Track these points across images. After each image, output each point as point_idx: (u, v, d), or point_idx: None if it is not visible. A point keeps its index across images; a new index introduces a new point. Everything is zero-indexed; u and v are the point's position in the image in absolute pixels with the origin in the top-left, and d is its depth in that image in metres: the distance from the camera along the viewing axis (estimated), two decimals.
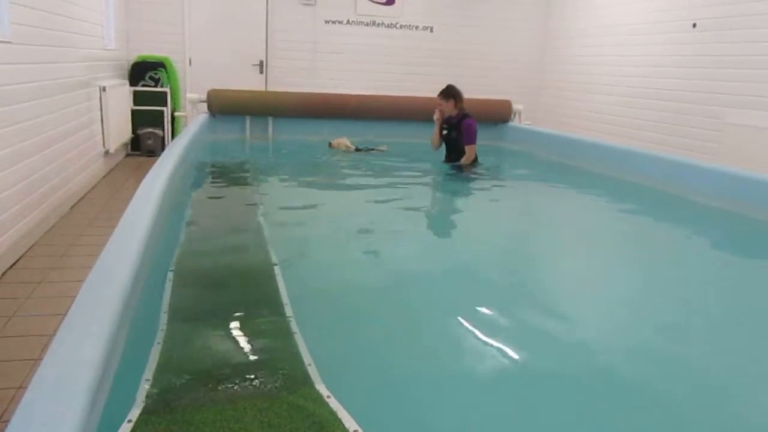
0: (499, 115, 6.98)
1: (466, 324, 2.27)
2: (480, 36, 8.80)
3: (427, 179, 5.20)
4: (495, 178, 5.53)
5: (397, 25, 8.46)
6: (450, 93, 5.24)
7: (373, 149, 5.97)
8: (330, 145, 5.86)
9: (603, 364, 2.07)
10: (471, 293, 2.63)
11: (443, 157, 5.44)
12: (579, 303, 2.63)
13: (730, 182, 4.11)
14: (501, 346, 2.12)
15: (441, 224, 3.90)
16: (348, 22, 8.28)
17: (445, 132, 5.36)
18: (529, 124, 7.30)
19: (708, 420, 1.79)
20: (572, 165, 5.63)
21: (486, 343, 2.12)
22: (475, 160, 5.30)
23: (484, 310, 2.44)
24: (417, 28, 8.53)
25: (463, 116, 5.20)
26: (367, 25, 8.35)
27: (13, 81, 3.76)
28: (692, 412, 1.82)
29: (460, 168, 5.22)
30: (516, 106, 7.02)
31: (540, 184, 5.32)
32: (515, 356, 2.06)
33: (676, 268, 3.19)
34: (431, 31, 8.59)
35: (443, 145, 5.45)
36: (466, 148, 5.17)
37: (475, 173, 5.19)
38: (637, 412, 1.77)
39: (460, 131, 5.20)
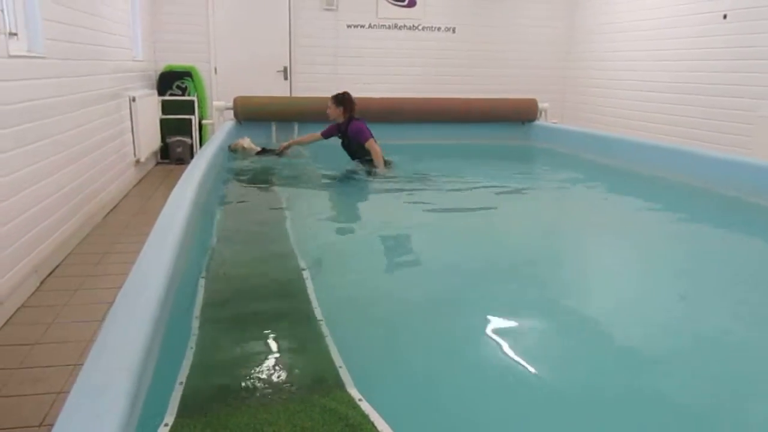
0: (525, 114, 6.94)
1: (498, 325, 2.27)
2: (503, 35, 8.75)
3: (451, 183, 5.17)
4: (529, 177, 5.51)
5: (419, 27, 8.46)
6: (342, 101, 5.14)
7: (273, 150, 5.57)
8: (229, 148, 5.41)
9: (645, 370, 2.04)
10: (503, 294, 2.62)
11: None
12: (621, 306, 2.58)
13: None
14: (535, 348, 2.11)
15: (471, 225, 3.88)
16: (370, 25, 8.32)
17: (340, 140, 5.31)
18: (555, 123, 7.24)
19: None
20: (606, 163, 5.55)
21: (520, 346, 2.11)
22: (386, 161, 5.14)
23: (518, 311, 2.42)
24: (439, 29, 8.52)
25: (348, 121, 5.14)
26: (388, 28, 8.37)
27: (49, 95, 3.87)
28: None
29: (371, 173, 5.04)
30: (542, 105, 6.97)
31: (572, 183, 5.26)
32: (550, 359, 2.05)
33: (724, 268, 3.11)
34: (453, 32, 8.58)
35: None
36: (367, 145, 5.05)
37: (392, 174, 5.02)
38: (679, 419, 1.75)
39: (348, 135, 5.16)
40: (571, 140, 6.37)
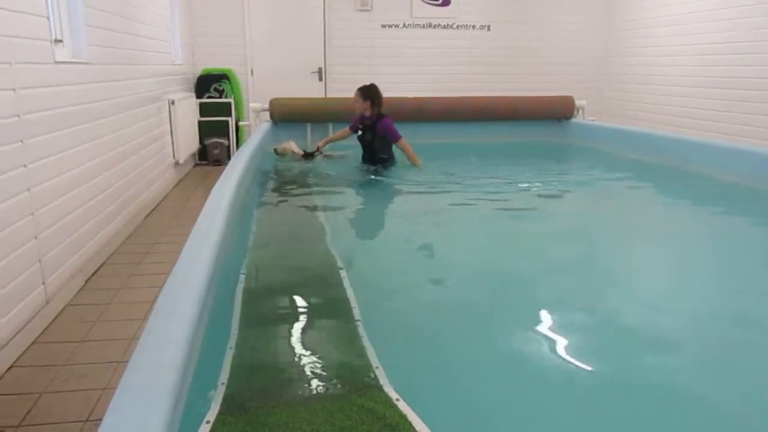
0: (561, 112, 6.84)
1: (537, 325, 2.24)
2: (539, 32, 8.64)
3: (486, 182, 5.13)
4: (565, 175, 5.42)
5: (454, 26, 8.42)
6: (369, 94, 5.00)
7: (330, 155, 5.62)
8: (275, 151, 5.42)
9: (688, 371, 1.99)
10: (541, 293, 2.59)
11: (360, 159, 5.29)
12: (664, 306, 2.52)
13: None
14: (575, 346, 2.08)
15: (507, 225, 3.84)
16: (404, 25, 8.31)
17: (359, 133, 5.17)
18: (593, 120, 7.12)
19: None
20: (647, 161, 5.43)
21: (560, 344, 2.09)
22: (391, 158, 5.13)
23: (557, 310, 2.39)
24: (474, 27, 8.46)
25: (378, 117, 5.01)
26: (423, 27, 8.36)
27: (93, 99, 3.98)
28: None
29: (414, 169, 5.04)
30: (579, 102, 6.86)
31: (610, 181, 5.16)
32: (588, 358, 2.02)
33: None
34: (488, 29, 8.51)
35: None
36: (399, 144, 5.03)
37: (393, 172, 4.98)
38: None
39: (376, 134, 5.02)
40: (608, 138, 6.25)
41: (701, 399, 1.80)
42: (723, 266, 3.05)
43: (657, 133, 5.98)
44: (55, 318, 3.17)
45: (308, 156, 5.48)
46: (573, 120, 6.88)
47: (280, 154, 5.46)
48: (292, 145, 5.48)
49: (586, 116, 7.08)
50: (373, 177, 4.90)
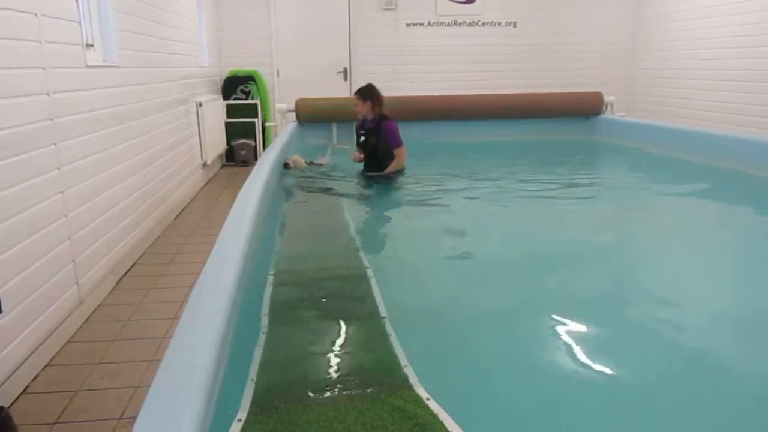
0: (590, 108, 6.75)
1: (567, 323, 2.21)
2: (566, 27, 8.53)
3: (513, 179, 5.08)
4: (593, 172, 5.35)
5: (479, 23, 8.36)
6: (368, 93, 4.60)
7: (312, 161, 5.18)
8: (287, 165, 4.83)
9: (720, 370, 1.94)
10: (570, 291, 2.55)
11: (362, 167, 4.85)
12: (696, 304, 2.46)
13: None
14: (604, 346, 2.04)
15: (535, 222, 3.79)
16: (429, 23, 8.29)
17: (362, 139, 4.75)
18: (622, 116, 7.00)
19: None
20: (677, 157, 5.31)
21: (589, 343, 2.05)
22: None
23: (587, 308, 2.35)
24: (499, 24, 8.39)
25: (380, 119, 4.61)
26: (448, 25, 8.32)
27: (123, 102, 4.05)
28: None
29: (380, 177, 4.61)
30: (607, 98, 6.75)
31: (638, 178, 5.07)
32: (618, 357, 1.98)
33: None
34: (514, 26, 8.43)
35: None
36: (396, 152, 4.60)
37: (398, 182, 4.57)
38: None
39: (380, 136, 4.60)
40: (638, 134, 6.14)
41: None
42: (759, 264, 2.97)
43: (689, 129, 5.85)
44: (88, 318, 3.23)
45: (313, 165, 5.13)
46: (601, 116, 6.78)
47: (292, 168, 4.91)
48: (300, 160, 5.04)
49: (615, 112, 6.97)
50: (375, 191, 4.54)
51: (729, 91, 6.69)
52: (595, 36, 8.60)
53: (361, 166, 4.87)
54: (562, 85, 8.01)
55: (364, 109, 4.63)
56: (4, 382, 2.35)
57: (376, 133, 4.62)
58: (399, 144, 4.62)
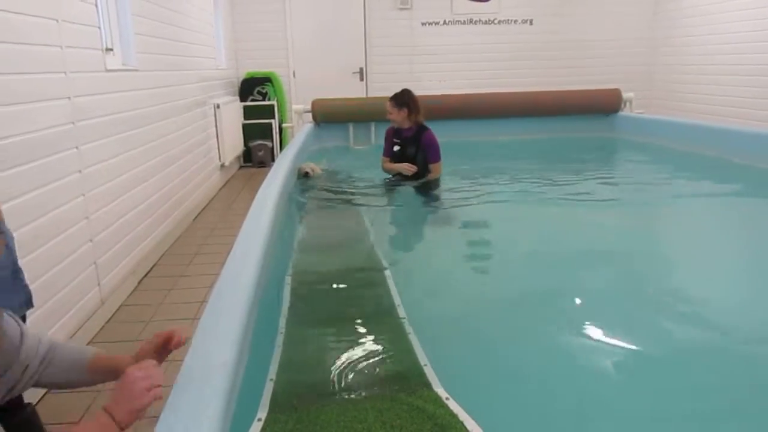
0: (608, 105, 6.68)
1: (587, 322, 2.19)
2: (583, 24, 8.45)
3: (531, 178, 5.05)
4: (613, 170, 5.29)
5: (495, 21, 8.32)
6: (404, 100, 4.23)
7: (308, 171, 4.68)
8: (307, 174, 4.54)
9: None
10: (590, 290, 2.53)
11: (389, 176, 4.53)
12: (722, 302, 2.43)
13: None
14: (627, 345, 2.02)
15: (555, 222, 3.76)
16: (445, 22, 8.27)
17: (397, 148, 4.38)
18: (641, 113, 6.92)
19: None
20: (703, 154, 5.22)
21: (612, 343, 2.04)
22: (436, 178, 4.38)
23: (608, 307, 2.33)
24: (516, 22, 8.35)
25: (420, 128, 4.28)
26: (464, 23, 8.29)
27: (142, 105, 4.10)
28: None
29: (425, 189, 4.25)
30: (626, 95, 6.68)
31: (658, 175, 5.00)
32: (646, 358, 1.96)
33: None
34: (531, 23, 8.38)
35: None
36: (433, 167, 4.27)
37: (437, 196, 4.23)
38: None
39: (421, 146, 4.25)
40: (657, 130, 6.07)
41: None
42: None
43: (710, 125, 5.77)
44: (110, 318, 3.27)
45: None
46: (620, 113, 6.71)
47: (311, 176, 4.61)
48: (315, 165, 4.75)
49: (634, 109, 6.89)
50: (392, 192, 4.30)
51: (752, 86, 6.57)
52: (612, 32, 8.51)
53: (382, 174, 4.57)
54: (580, 82, 7.94)
55: (399, 117, 4.27)
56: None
57: (415, 144, 4.28)
58: (439, 158, 4.28)
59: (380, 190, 4.54)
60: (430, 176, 4.28)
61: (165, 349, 1.35)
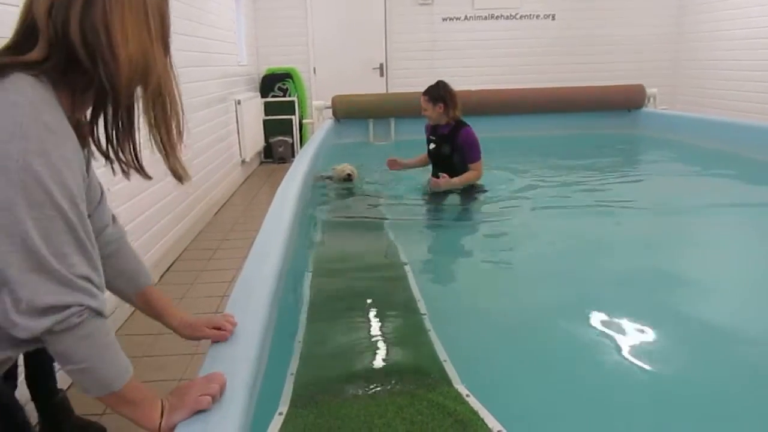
0: (631, 101, 6.59)
1: (610, 325, 2.17)
2: (605, 18, 8.34)
3: (555, 177, 4.99)
4: (638, 168, 5.22)
5: (517, 16, 8.25)
6: (439, 95, 3.83)
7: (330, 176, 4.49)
8: (349, 176, 4.33)
9: None
10: (614, 294, 2.49)
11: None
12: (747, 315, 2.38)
13: None
14: (647, 349, 1.99)
15: (578, 224, 3.70)
16: (466, 17, 8.22)
17: (432, 146, 4.02)
18: (665, 109, 6.82)
19: None
20: (728, 151, 5.11)
21: (633, 347, 2.01)
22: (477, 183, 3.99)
23: (632, 312, 2.29)
24: (538, 17, 8.27)
25: (456, 125, 3.87)
26: (485, 19, 8.23)
27: None
28: None
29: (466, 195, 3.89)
30: (650, 90, 6.58)
31: (685, 173, 4.91)
32: (662, 363, 1.93)
33: None
34: (553, 18, 8.29)
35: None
36: (473, 166, 3.85)
37: (475, 198, 3.90)
38: None
39: (457, 145, 3.84)
40: (681, 127, 5.96)
41: None
42: None
43: (736, 121, 5.66)
44: (134, 312, 3.31)
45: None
46: (643, 109, 6.62)
47: (353, 180, 4.35)
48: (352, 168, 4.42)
49: (658, 105, 6.79)
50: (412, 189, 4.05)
51: None
52: (635, 27, 8.39)
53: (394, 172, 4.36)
54: (603, 78, 7.84)
55: (435, 114, 3.87)
56: (59, 370, 2.44)
57: (451, 142, 3.88)
58: (478, 157, 3.85)
59: (399, 184, 4.48)
60: (466, 176, 3.85)
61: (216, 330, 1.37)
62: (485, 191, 3.99)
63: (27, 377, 1.98)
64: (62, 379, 2.46)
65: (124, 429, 2.26)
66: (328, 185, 4.38)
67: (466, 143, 3.82)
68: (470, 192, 3.94)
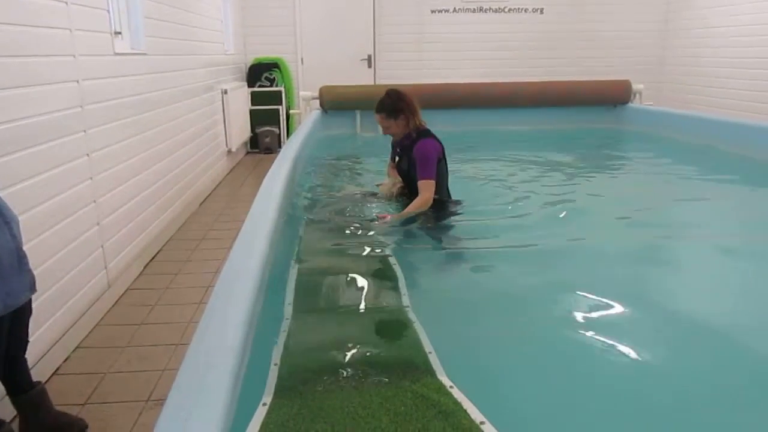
0: (617, 96, 6.63)
1: (594, 314, 2.19)
2: (593, 13, 8.37)
3: (539, 169, 5.02)
4: (623, 162, 5.25)
5: (506, 9, 8.25)
6: (397, 107, 3.28)
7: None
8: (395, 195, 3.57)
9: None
10: (598, 282, 2.52)
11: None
12: (733, 305, 2.42)
13: None
14: (635, 338, 2.02)
15: (562, 213, 3.74)
16: (455, 9, 8.20)
17: (396, 158, 3.49)
18: (650, 105, 6.87)
19: None
20: (717, 147, 5.16)
21: (615, 330, 2.04)
22: (441, 204, 3.30)
23: (616, 300, 2.32)
24: (526, 10, 8.27)
25: (417, 135, 3.28)
26: (474, 11, 8.22)
27: (150, 89, 4.09)
28: None
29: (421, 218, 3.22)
30: (636, 86, 6.63)
31: (665, 166, 4.97)
32: (647, 351, 1.96)
33: None
34: (541, 12, 8.30)
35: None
36: (420, 184, 3.18)
37: (437, 226, 3.25)
38: None
39: (412, 159, 3.25)
40: (666, 123, 6.02)
41: None
42: None
43: (720, 118, 5.72)
44: (117, 301, 3.29)
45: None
46: (629, 105, 6.66)
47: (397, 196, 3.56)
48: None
49: (644, 101, 6.84)
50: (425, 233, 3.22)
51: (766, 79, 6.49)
52: (623, 22, 8.43)
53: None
54: (591, 73, 7.89)
55: (399, 129, 3.34)
56: (37, 362, 2.42)
57: (408, 155, 3.31)
58: (427, 175, 3.17)
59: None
60: (414, 203, 3.19)
61: None
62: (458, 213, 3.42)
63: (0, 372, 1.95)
64: (40, 372, 2.45)
65: (105, 420, 2.26)
66: (317, 171, 4.37)
67: (417, 156, 3.22)
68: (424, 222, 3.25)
